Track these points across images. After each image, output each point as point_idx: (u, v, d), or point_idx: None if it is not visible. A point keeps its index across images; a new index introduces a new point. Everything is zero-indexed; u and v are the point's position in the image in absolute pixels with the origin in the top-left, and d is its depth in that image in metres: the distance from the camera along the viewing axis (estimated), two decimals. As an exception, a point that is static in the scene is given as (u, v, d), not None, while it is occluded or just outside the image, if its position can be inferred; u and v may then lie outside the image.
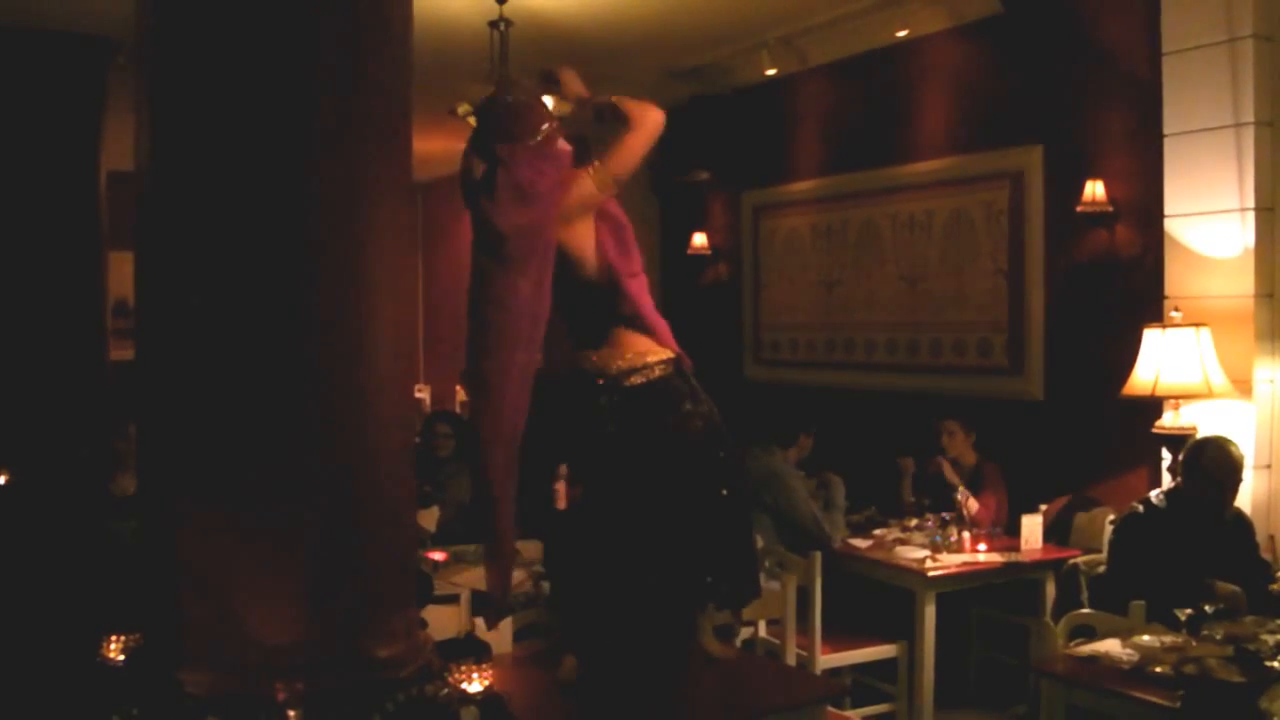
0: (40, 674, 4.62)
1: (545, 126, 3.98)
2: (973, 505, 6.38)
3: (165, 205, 3.40)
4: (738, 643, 5.39)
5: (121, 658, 3.64)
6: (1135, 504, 5.28)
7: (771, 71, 8.83)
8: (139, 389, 3.57)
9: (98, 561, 5.31)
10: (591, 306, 4.10)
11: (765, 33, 8.53)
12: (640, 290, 4.12)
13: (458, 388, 12.68)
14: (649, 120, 4.12)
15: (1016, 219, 7.24)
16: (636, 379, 4.04)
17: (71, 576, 5.26)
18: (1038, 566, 6.15)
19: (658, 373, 4.05)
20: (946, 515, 6.26)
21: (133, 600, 3.62)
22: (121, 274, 9.41)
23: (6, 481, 7.05)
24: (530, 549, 5.33)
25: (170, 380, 3.40)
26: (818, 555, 5.78)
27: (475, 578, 5.41)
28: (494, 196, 3.94)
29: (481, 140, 4.06)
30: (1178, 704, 3.71)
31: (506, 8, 7.18)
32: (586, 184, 4.00)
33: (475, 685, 3.37)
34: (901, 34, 7.93)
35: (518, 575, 5.39)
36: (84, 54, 8.51)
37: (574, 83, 4.21)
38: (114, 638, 3.67)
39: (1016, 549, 6.15)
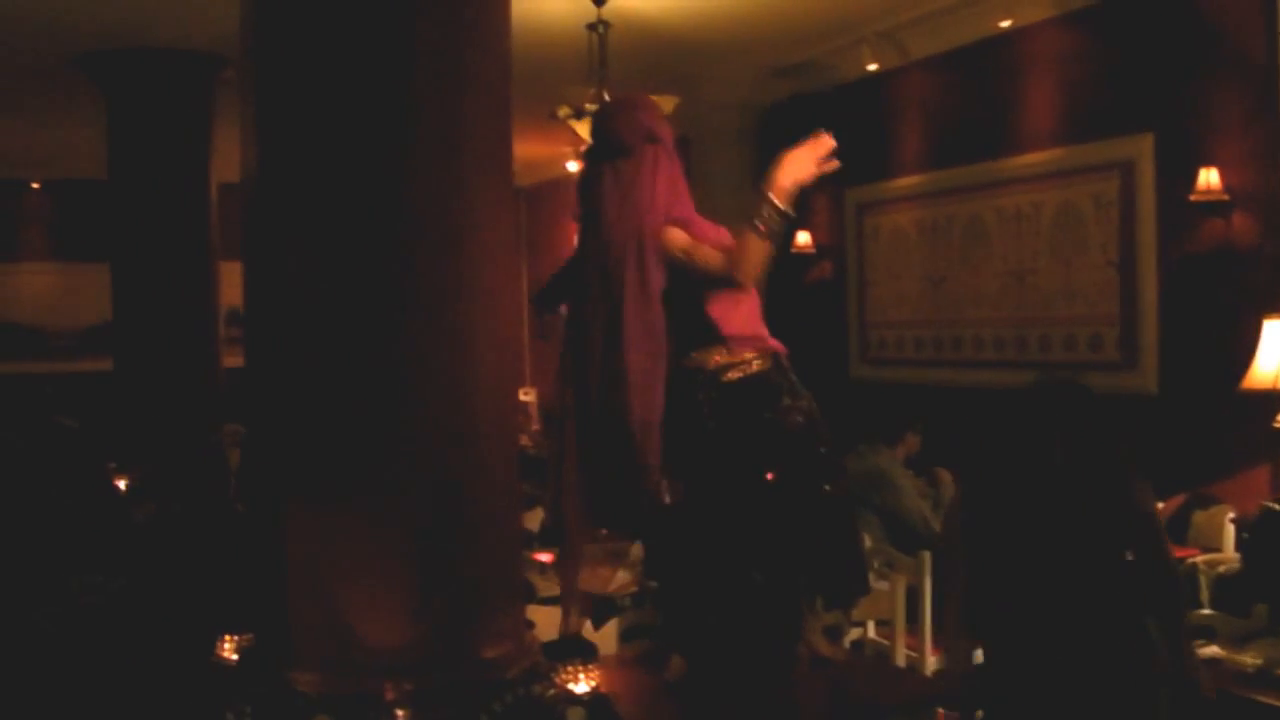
0: (157, 672, 4.72)
1: (652, 133, 3.99)
2: None
3: (271, 214, 3.46)
4: (846, 643, 5.34)
5: (235, 657, 3.70)
6: (1271, 502, 5.12)
7: (872, 66, 8.75)
8: (248, 394, 3.63)
9: (217, 562, 5.41)
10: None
11: (865, 27, 8.45)
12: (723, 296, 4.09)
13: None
14: (732, 271, 3.99)
15: (1127, 210, 7.09)
16: (734, 374, 4.02)
17: (192, 576, 5.37)
18: (1155, 565, 5.99)
19: (755, 368, 4.03)
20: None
21: (246, 601, 3.69)
22: (233, 283, 9.63)
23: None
24: (638, 549, 5.32)
25: (278, 385, 3.46)
26: (927, 555, 5.68)
27: (582, 579, 5.42)
28: (603, 202, 3.96)
29: (595, 146, 4.05)
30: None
31: (605, 10, 7.20)
32: (677, 239, 3.96)
33: (582, 686, 3.37)
34: (1004, 24, 7.81)
35: (624, 576, 5.40)
36: (193, 70, 8.71)
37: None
38: (228, 637, 3.73)
39: (1132, 547, 6.00)
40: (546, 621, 3.99)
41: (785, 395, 4.04)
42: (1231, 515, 5.84)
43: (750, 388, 4.03)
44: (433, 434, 3.30)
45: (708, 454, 4.04)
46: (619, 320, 3.91)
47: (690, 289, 4.01)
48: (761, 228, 3.80)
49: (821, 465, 4.08)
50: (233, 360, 9.23)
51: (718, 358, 4.04)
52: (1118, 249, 7.17)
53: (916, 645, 5.60)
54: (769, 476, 4.00)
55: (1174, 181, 6.73)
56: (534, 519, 6.13)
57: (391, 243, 3.30)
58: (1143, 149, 6.96)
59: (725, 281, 3.96)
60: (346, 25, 3.30)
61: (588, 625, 4.16)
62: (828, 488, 4.07)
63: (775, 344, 4.13)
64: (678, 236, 3.93)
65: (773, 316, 4.22)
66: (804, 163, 3.89)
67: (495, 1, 3.55)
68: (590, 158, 4.19)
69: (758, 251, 3.84)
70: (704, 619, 4.06)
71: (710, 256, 3.92)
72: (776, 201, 3.82)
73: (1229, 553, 5.82)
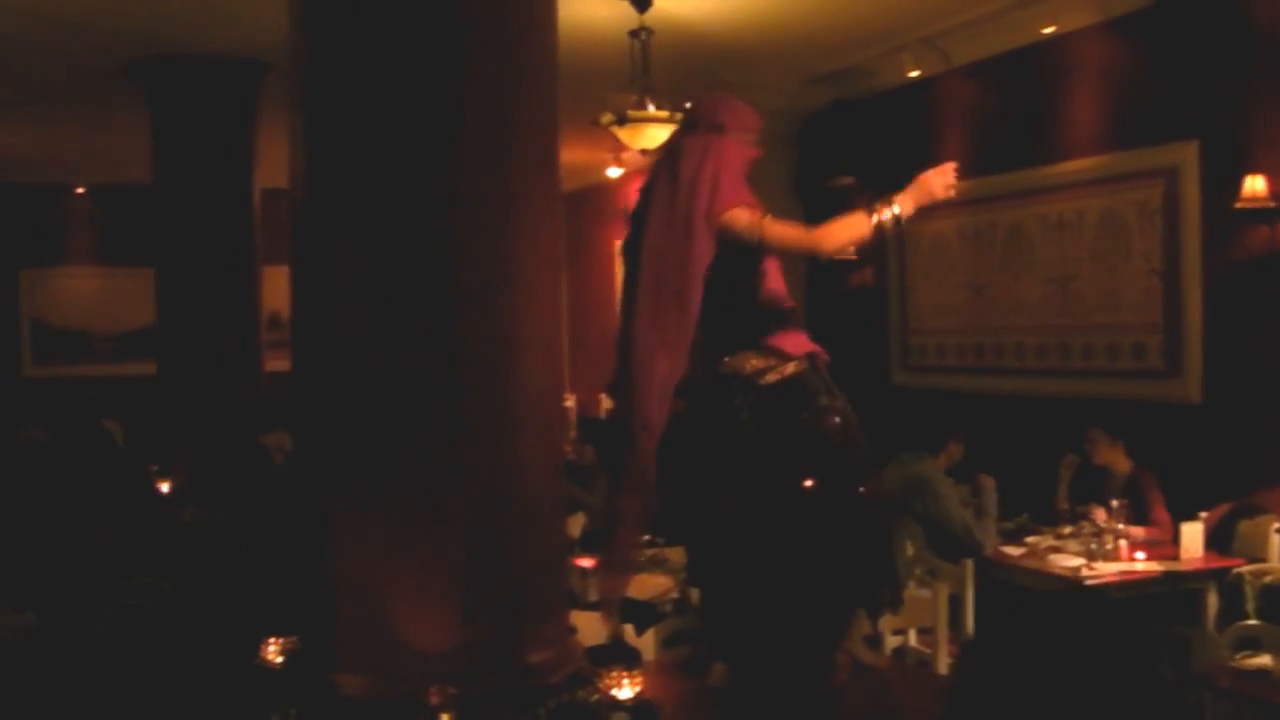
0: (203, 674, 4.76)
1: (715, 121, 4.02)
2: (1136, 533, 6.16)
3: (318, 220, 3.48)
4: (888, 651, 5.32)
5: (279, 660, 3.71)
6: None
7: (914, 73, 8.73)
8: (294, 397, 3.66)
9: (263, 565, 5.45)
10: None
11: (907, 34, 8.43)
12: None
13: (601, 396, 12.77)
14: (819, 239, 4.04)
15: (1171, 217, 7.05)
16: (772, 377, 4.02)
17: (238, 579, 5.41)
18: (1199, 576, 5.94)
19: (792, 370, 4.03)
20: (1102, 523, 6.09)
21: (291, 604, 3.71)
22: (275, 288, 9.72)
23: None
24: (678, 555, 5.32)
25: (324, 389, 3.48)
26: (969, 563, 5.67)
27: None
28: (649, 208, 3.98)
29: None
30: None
31: (647, 17, 7.21)
32: (742, 216, 3.97)
33: (626, 692, 3.37)
34: (1048, 30, 7.78)
35: (665, 582, 5.40)
36: (237, 76, 8.78)
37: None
38: (273, 640, 3.75)
39: (1176, 558, 5.96)
40: (589, 627, 3.99)
41: (822, 395, 4.04)
42: (1277, 525, 5.78)
43: (789, 390, 4.02)
44: (478, 439, 3.32)
45: (748, 459, 4.04)
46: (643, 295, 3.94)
47: (739, 283, 4.01)
48: (875, 217, 3.89)
49: (856, 468, 4.07)
50: (273, 364, 9.36)
51: (755, 362, 4.04)
52: (1162, 256, 7.12)
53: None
54: (807, 483, 3.99)
55: (1219, 189, 6.69)
56: (575, 525, 6.15)
57: (438, 248, 3.32)
58: (1188, 156, 6.92)
59: (803, 252, 4.17)
60: (395, 32, 3.32)
61: (629, 631, 4.16)
62: (862, 490, 4.06)
63: (813, 346, 4.13)
64: (742, 215, 3.95)
65: (814, 322, 4.22)
66: (932, 185, 4.01)
67: (542, 9, 3.57)
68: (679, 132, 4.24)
69: (858, 228, 3.94)
70: (745, 626, 4.05)
71: (784, 230, 3.97)
72: (898, 210, 3.92)
73: (1275, 562, 5.78)
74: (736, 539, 4.08)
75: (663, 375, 3.90)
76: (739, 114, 4.12)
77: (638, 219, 4.06)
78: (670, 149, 4.16)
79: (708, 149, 3.98)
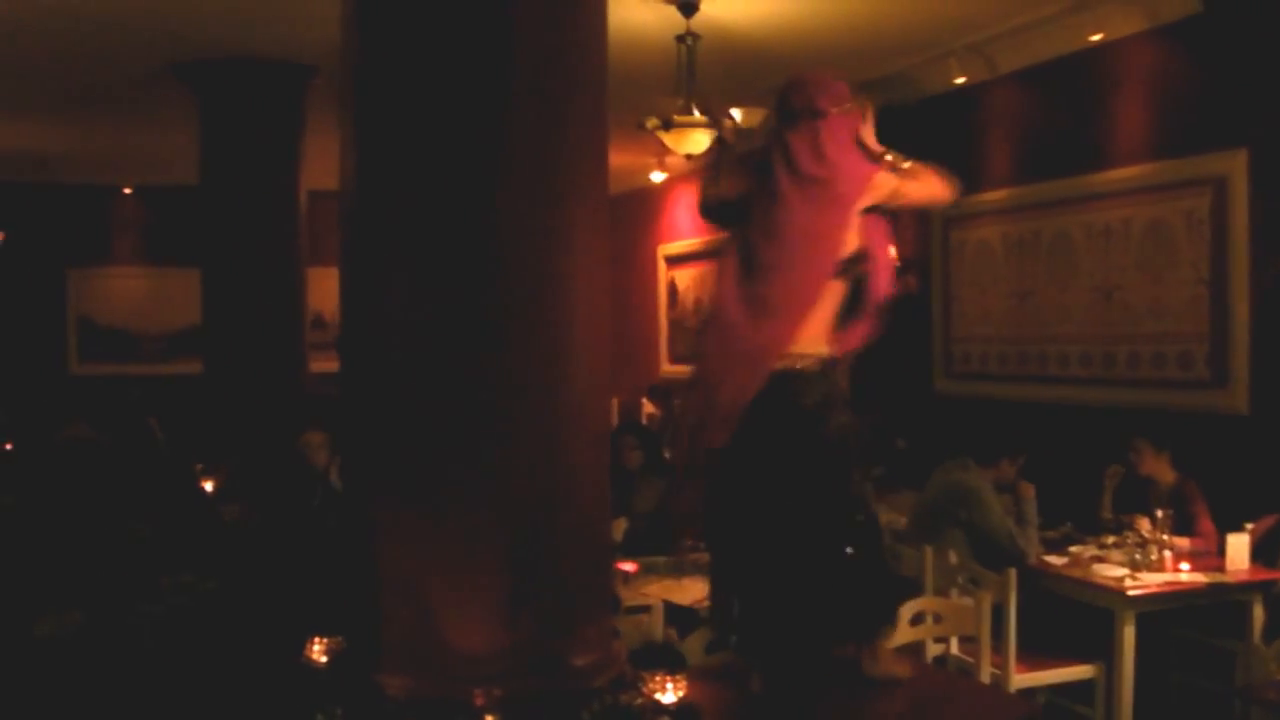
0: (247, 673, 4.79)
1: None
2: (1181, 544, 6.11)
3: (368, 221, 3.51)
4: (928, 659, 5.31)
5: (324, 659, 3.74)
6: None
7: (960, 80, 8.70)
8: (342, 399, 3.68)
9: (308, 564, 5.48)
10: None
11: (953, 41, 8.41)
12: None
13: (643, 400, 12.79)
14: (937, 189, 4.13)
15: (1219, 226, 6.99)
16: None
17: (283, 578, 5.45)
18: (1245, 588, 5.90)
19: (802, 365, 4.02)
20: (1146, 533, 6.05)
21: (336, 603, 3.73)
22: (318, 289, 9.79)
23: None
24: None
25: (372, 390, 3.50)
26: (1012, 572, 5.65)
27: (666, 589, 5.45)
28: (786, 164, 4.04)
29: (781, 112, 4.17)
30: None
31: (694, 22, 7.22)
32: (885, 182, 4.06)
33: (669, 696, 3.38)
34: (1095, 38, 7.73)
35: (706, 588, 5.40)
36: (284, 79, 8.86)
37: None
38: (317, 640, 3.77)
39: (1221, 569, 5.92)
40: (631, 631, 4.00)
41: (826, 400, 4.04)
42: (1324, 538, 5.73)
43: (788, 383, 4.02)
44: (526, 441, 3.34)
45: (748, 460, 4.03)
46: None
47: None
48: None
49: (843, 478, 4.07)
50: (317, 365, 9.43)
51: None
52: (1209, 266, 7.06)
53: (1001, 663, 5.57)
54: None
55: (1268, 197, 6.63)
56: (616, 529, 6.17)
57: (488, 250, 3.34)
58: (1236, 164, 6.86)
59: (935, 202, 4.33)
60: (447, 36, 3.34)
61: (674, 634, 4.17)
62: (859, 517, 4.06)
63: (842, 348, 4.13)
64: (884, 180, 4.00)
65: (858, 330, 4.21)
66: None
67: (592, 14, 3.58)
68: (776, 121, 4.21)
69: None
70: (773, 634, 4.03)
71: (918, 184, 4.13)
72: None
73: (1323, 576, 5.73)
74: (754, 545, 4.06)
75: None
76: (833, 92, 4.13)
77: (735, 212, 4.06)
78: (775, 146, 4.13)
79: (818, 135, 4.01)
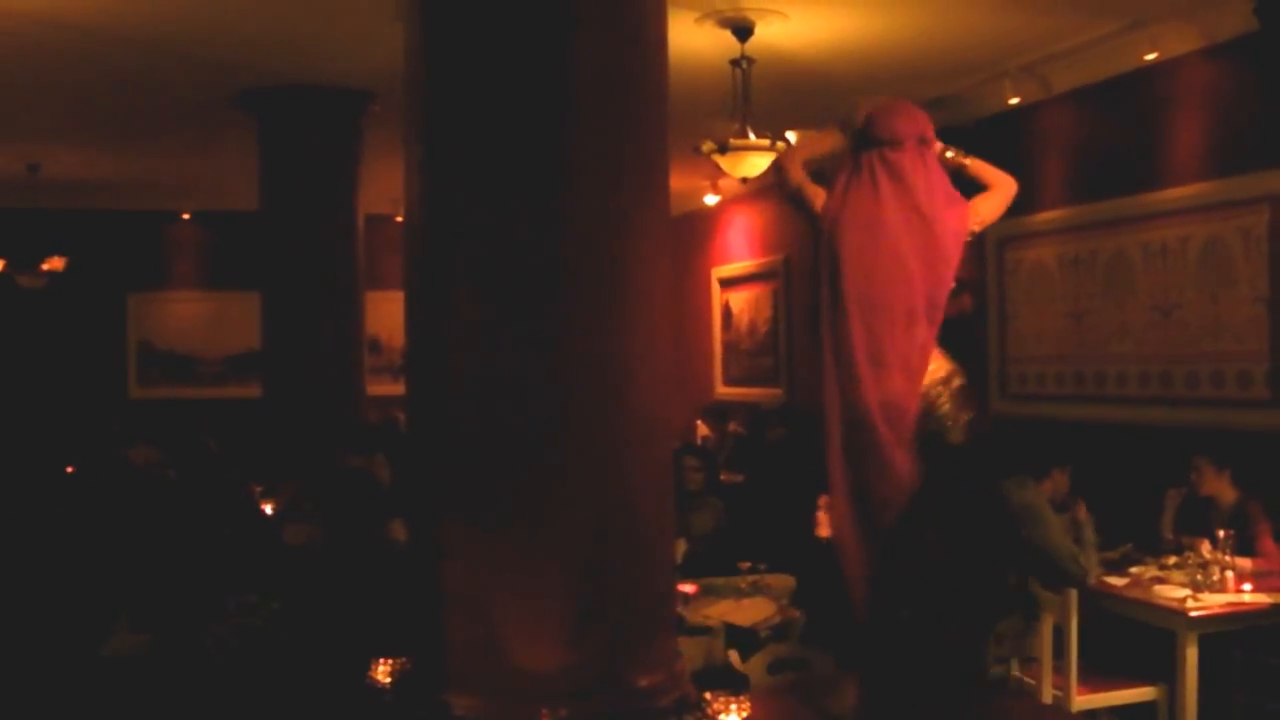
0: (314, 694, 4.83)
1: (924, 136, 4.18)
2: (1243, 564, 6.06)
3: (432, 245, 3.56)
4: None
5: (388, 681, 3.77)
6: None
7: (1014, 100, 8.68)
8: (408, 421, 3.73)
9: (373, 586, 5.52)
10: None
11: (1007, 61, 8.39)
12: None
13: (698, 421, 12.79)
14: (1008, 188, 4.17)
15: (1277, 244, 6.94)
16: (957, 381, 4.07)
17: (348, 599, 5.49)
18: (1308, 609, 5.84)
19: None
20: (1207, 554, 6.00)
21: (402, 624, 3.77)
22: (375, 313, 9.88)
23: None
24: (779, 582, 5.34)
25: (437, 411, 3.55)
26: (1074, 593, 5.62)
27: (726, 610, 5.45)
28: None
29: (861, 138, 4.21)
30: None
31: (748, 46, 7.26)
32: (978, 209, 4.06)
33: (733, 717, 3.39)
34: (1150, 57, 7.70)
35: (766, 608, 5.41)
36: (342, 105, 8.97)
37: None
38: (383, 661, 3.81)
39: (1285, 589, 5.86)
40: (693, 652, 4.02)
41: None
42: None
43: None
44: (590, 463, 3.37)
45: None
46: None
47: None
48: None
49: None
50: (373, 388, 9.51)
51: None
52: (1268, 284, 7.01)
53: (1062, 684, 5.54)
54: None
55: (1327, 216, 6.58)
56: (675, 551, 6.18)
57: (551, 272, 3.38)
58: (1294, 182, 6.82)
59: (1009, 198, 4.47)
60: (509, 62, 3.40)
61: (735, 656, 4.18)
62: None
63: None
64: (977, 207, 4.23)
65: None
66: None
67: (652, 39, 3.62)
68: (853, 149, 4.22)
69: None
70: (857, 652, 4.04)
71: (995, 195, 4.24)
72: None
73: (1386, 596, 5.66)
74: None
75: (898, 391, 4.04)
76: (915, 120, 4.19)
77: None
78: (856, 172, 4.15)
79: (906, 164, 4.11)
